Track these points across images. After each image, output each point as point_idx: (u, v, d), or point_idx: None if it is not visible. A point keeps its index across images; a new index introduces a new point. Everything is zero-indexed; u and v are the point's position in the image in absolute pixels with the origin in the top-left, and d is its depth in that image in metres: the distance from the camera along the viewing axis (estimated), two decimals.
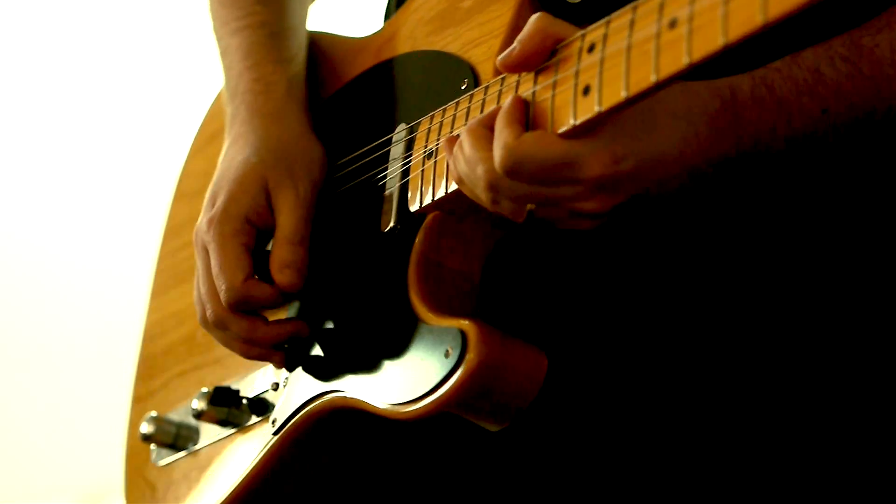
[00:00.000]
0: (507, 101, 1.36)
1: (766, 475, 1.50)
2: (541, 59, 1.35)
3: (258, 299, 1.59)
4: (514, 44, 1.36)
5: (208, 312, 1.62)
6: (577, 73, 1.31)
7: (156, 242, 2.06)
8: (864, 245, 1.53)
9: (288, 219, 1.61)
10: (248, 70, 1.73)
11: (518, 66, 1.36)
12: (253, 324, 1.60)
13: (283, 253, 1.60)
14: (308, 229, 1.62)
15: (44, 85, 4.10)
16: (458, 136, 1.41)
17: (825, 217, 1.52)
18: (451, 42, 1.59)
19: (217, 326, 1.62)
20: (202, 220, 1.64)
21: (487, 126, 1.36)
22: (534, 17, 1.36)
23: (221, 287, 1.58)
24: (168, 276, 1.98)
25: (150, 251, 2.07)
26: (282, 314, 1.65)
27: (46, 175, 4.09)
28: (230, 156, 1.68)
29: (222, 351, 1.73)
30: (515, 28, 1.49)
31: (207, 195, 1.66)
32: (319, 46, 1.84)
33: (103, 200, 4.07)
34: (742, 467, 1.50)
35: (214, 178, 1.68)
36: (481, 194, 1.36)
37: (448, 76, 1.55)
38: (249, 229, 1.61)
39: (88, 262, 4.05)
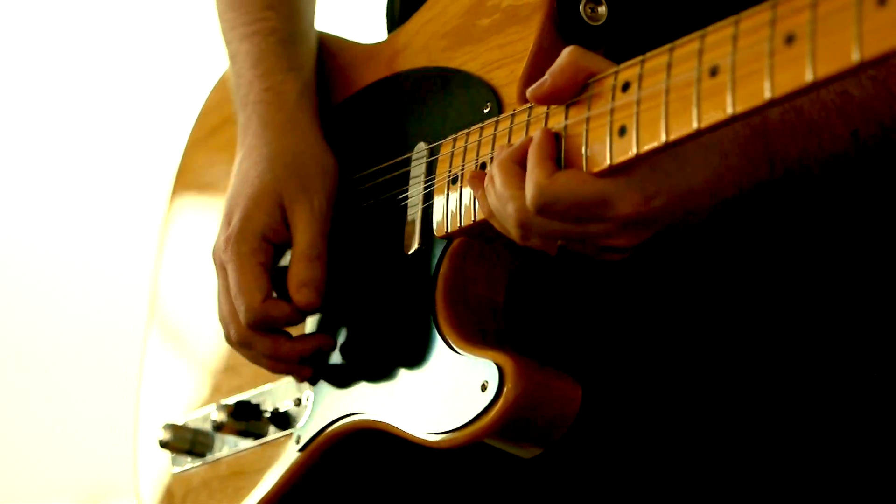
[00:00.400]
0: (537, 134, 1.36)
1: (779, 494, 1.53)
2: (572, 93, 1.36)
3: (277, 319, 1.60)
4: (546, 76, 1.36)
5: (232, 333, 1.63)
6: (611, 112, 1.32)
7: (154, 240, 2.06)
8: (866, 249, 1.55)
9: (304, 234, 1.62)
10: (258, 79, 1.72)
11: (549, 98, 1.37)
12: (276, 341, 1.61)
13: (300, 270, 1.60)
14: (325, 244, 1.63)
15: (42, 88, 4.06)
16: (484, 170, 1.42)
17: (833, 223, 1.53)
18: (468, 61, 1.58)
19: (242, 346, 1.63)
20: (219, 238, 1.64)
21: (518, 161, 1.36)
22: (567, 50, 1.36)
23: (241, 308, 1.59)
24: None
25: (148, 251, 2.07)
26: (303, 328, 1.66)
27: (47, 176, 4.06)
28: (244, 169, 1.68)
29: (238, 359, 1.74)
30: (538, 52, 1.49)
31: (223, 212, 1.66)
32: (328, 49, 1.82)
33: (104, 201, 4.05)
34: (761, 492, 1.53)
35: (229, 193, 1.68)
36: (512, 230, 1.37)
37: (470, 97, 1.55)
38: (267, 247, 1.62)
39: (86, 263, 4.03)
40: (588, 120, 1.34)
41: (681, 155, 1.32)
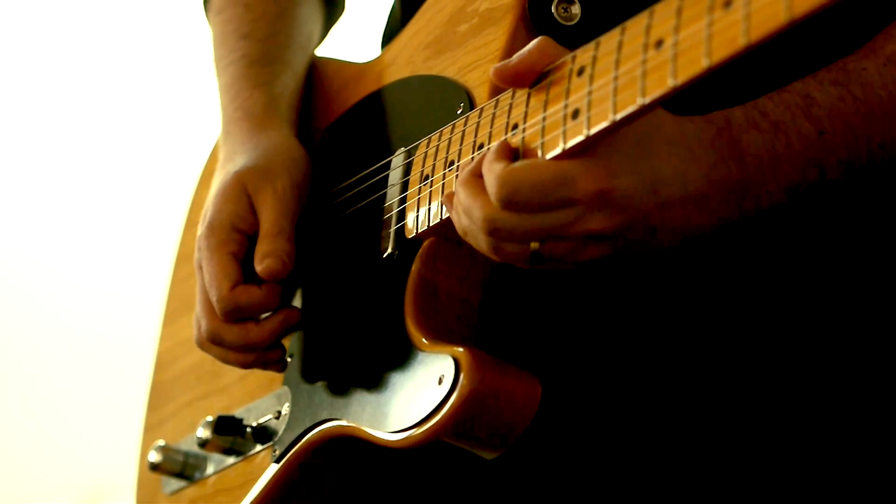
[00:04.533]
0: (493, 145, 1.35)
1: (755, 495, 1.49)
2: (531, 77, 1.35)
3: (248, 304, 1.59)
4: (513, 57, 1.36)
5: (203, 329, 1.63)
6: (567, 94, 1.30)
7: (167, 266, 2.07)
8: (859, 253, 1.52)
9: (268, 214, 1.62)
10: (230, 102, 1.76)
11: (510, 77, 1.36)
12: (244, 328, 1.60)
13: (263, 245, 1.60)
14: (289, 222, 1.62)
15: (41, 96, 4.13)
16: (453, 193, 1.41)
17: (823, 225, 1.51)
18: (448, 66, 1.58)
19: (212, 342, 1.62)
20: (196, 240, 1.64)
21: (478, 174, 1.34)
22: (538, 38, 1.35)
23: (213, 299, 1.59)
24: (178, 304, 1.98)
25: (155, 267, 2.08)
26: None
27: (62, 194, 4.11)
28: (217, 180, 1.70)
29: (229, 379, 1.73)
30: (509, 52, 1.48)
31: (200, 219, 1.66)
32: (325, 72, 1.84)
33: (116, 216, 4.09)
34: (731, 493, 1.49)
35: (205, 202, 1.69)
36: (482, 242, 1.34)
37: (445, 100, 1.55)
38: (238, 237, 1.62)
39: (89, 266, 4.06)
40: (545, 104, 1.33)
41: (645, 146, 1.30)
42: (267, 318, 1.61)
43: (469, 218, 1.34)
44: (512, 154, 1.34)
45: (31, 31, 4.11)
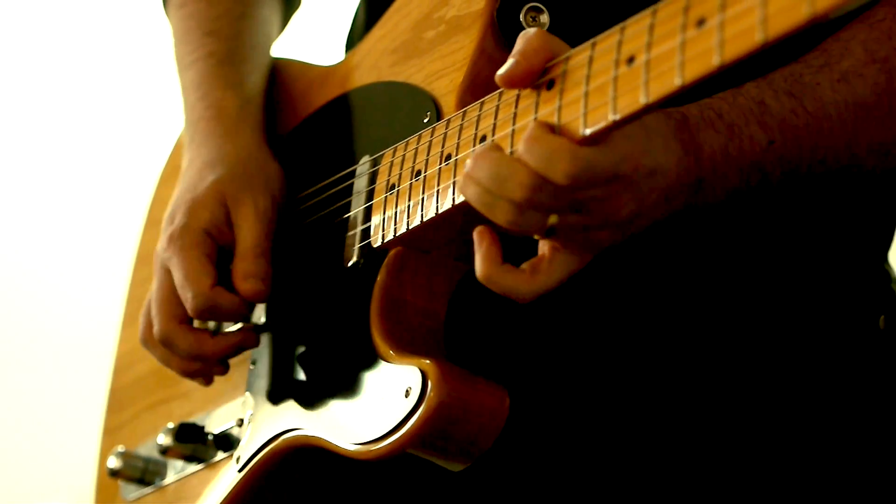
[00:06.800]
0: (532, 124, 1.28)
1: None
2: (535, 78, 1.30)
3: (225, 308, 1.58)
4: (518, 58, 1.30)
5: (155, 329, 1.61)
6: (536, 108, 1.30)
7: (125, 265, 2.05)
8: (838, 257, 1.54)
9: (249, 232, 1.60)
10: (199, 100, 1.74)
11: (509, 81, 1.31)
12: (200, 338, 1.60)
13: (245, 264, 1.59)
14: (269, 244, 1.61)
15: (13, 105, 4.09)
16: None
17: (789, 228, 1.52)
18: (414, 73, 1.57)
19: (163, 343, 1.61)
20: (161, 240, 1.64)
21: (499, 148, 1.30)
22: (533, 32, 1.31)
23: (188, 296, 1.57)
24: (137, 306, 1.94)
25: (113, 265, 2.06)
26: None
27: (22, 192, 4.07)
28: (187, 177, 1.68)
29: (190, 384, 1.72)
30: (478, 60, 1.48)
31: (166, 216, 1.65)
32: (287, 74, 1.82)
33: (80, 217, 4.05)
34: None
35: (172, 199, 1.68)
36: (505, 211, 1.28)
37: (411, 108, 1.53)
38: (210, 242, 1.61)
39: (86, 262, 4.03)
40: (514, 117, 1.32)
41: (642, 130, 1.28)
42: (225, 334, 1.61)
43: (498, 183, 1.27)
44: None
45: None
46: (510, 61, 1.31)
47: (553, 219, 1.28)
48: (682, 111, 1.32)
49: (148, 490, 1.78)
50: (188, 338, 1.60)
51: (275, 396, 1.59)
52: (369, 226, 1.51)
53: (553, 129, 1.27)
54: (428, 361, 1.37)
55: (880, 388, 1.54)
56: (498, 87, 1.35)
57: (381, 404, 1.41)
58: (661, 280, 1.52)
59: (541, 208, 1.27)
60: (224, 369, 1.63)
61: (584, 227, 1.29)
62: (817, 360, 1.52)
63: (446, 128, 1.44)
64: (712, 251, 1.51)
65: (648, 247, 1.49)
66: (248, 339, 1.61)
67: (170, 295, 1.61)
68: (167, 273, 1.61)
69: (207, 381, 1.65)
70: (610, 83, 1.21)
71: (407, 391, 1.37)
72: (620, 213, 1.28)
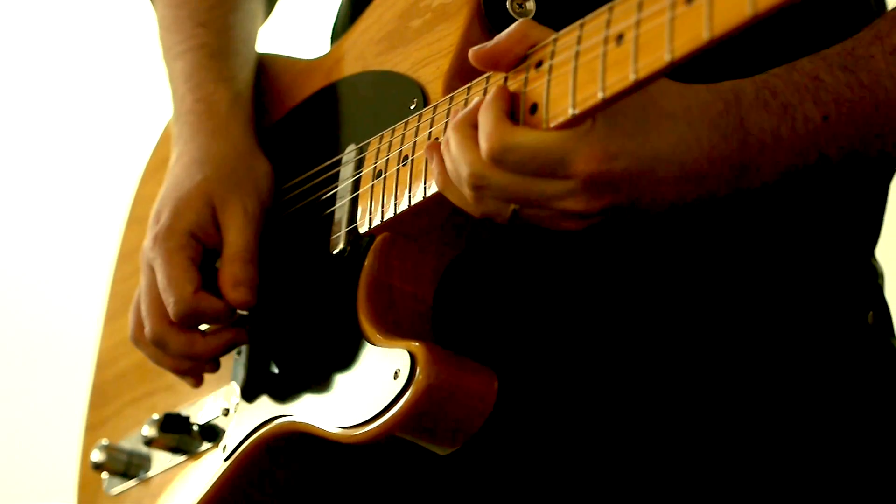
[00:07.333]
0: (492, 90, 1.30)
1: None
2: (508, 61, 1.31)
3: (207, 313, 1.58)
4: (498, 40, 1.32)
5: (147, 329, 1.61)
6: (525, 84, 1.30)
7: (107, 262, 2.05)
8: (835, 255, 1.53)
9: (238, 236, 1.60)
10: (189, 92, 1.73)
11: (485, 60, 1.32)
12: (191, 338, 1.59)
13: (234, 270, 1.58)
14: (257, 248, 1.61)
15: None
16: (438, 141, 1.38)
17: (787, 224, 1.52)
18: (400, 62, 1.57)
19: (155, 343, 1.61)
20: (147, 238, 1.63)
21: (472, 124, 1.30)
22: (521, 20, 1.31)
23: (170, 300, 1.57)
24: (120, 302, 1.96)
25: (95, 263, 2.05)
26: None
27: (1, 187, 4.06)
28: (174, 174, 1.67)
29: (174, 376, 1.71)
30: (464, 47, 1.48)
31: (152, 214, 1.65)
32: (272, 69, 1.82)
33: (60, 214, 4.04)
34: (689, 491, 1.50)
35: (159, 196, 1.67)
36: (466, 193, 1.30)
37: (397, 96, 1.54)
38: (195, 244, 1.60)
39: (60, 258, 4.01)
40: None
41: (645, 119, 1.26)
42: (215, 333, 1.60)
43: (455, 165, 1.30)
44: (510, 101, 1.29)
45: None
46: (490, 41, 1.31)
47: (514, 206, 1.29)
48: (735, 90, 1.30)
49: (132, 483, 1.77)
50: (180, 338, 1.59)
51: (261, 385, 1.59)
52: (356, 212, 1.51)
53: (511, 98, 1.28)
54: (417, 344, 1.37)
55: (870, 384, 1.54)
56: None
57: (369, 387, 1.41)
58: (652, 272, 1.51)
59: (496, 195, 1.28)
60: (215, 367, 1.62)
61: (549, 218, 1.29)
62: (808, 357, 1.51)
63: (433, 112, 1.44)
64: (702, 247, 1.51)
65: (639, 239, 1.49)
66: (238, 337, 1.60)
67: (159, 295, 1.61)
68: (152, 273, 1.61)
69: (198, 381, 1.65)
70: (599, 59, 1.22)
71: (396, 373, 1.37)
72: (584, 211, 1.27)
